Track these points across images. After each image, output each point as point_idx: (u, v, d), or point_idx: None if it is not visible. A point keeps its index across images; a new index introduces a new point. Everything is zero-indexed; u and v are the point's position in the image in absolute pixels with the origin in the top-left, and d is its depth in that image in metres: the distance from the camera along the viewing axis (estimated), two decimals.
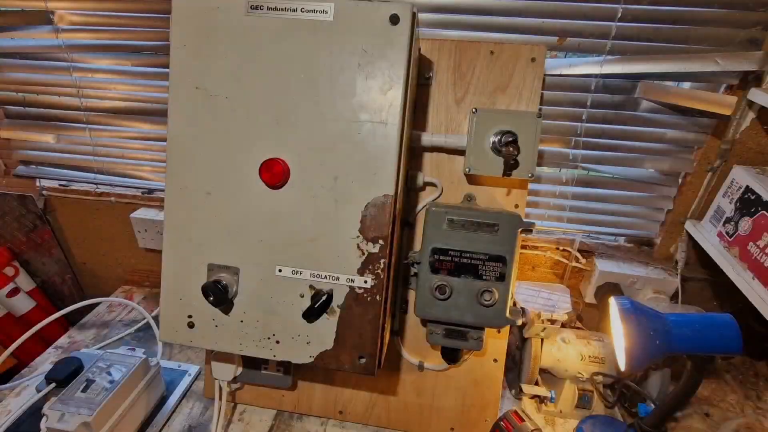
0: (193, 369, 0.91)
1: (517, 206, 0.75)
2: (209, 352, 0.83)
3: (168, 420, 0.81)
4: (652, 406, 0.78)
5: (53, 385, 0.75)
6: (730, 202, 0.75)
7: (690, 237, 0.86)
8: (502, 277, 0.65)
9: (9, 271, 1.14)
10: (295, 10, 0.55)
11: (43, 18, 0.85)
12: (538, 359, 0.83)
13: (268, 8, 0.55)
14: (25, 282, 1.17)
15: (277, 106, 0.56)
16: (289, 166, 0.57)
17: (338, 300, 0.58)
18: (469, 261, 0.65)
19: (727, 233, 0.75)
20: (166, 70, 0.90)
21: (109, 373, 0.75)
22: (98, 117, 0.96)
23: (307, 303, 0.58)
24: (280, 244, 0.58)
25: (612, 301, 0.70)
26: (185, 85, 0.58)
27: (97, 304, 1.09)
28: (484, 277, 0.66)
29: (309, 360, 0.59)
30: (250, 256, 0.59)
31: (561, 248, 0.95)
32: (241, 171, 0.58)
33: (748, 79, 0.70)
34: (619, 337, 0.69)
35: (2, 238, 1.17)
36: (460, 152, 0.74)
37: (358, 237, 0.57)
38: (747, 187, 0.71)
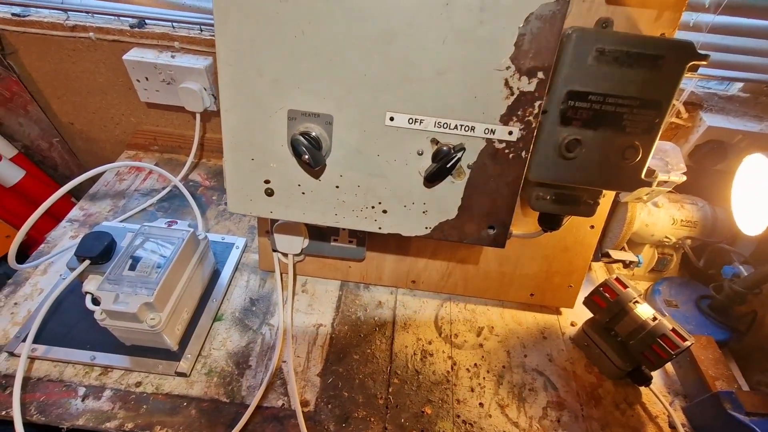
0: (240, 241, 0.81)
1: (663, 35, 0.58)
2: (262, 223, 0.71)
3: (226, 293, 0.73)
4: (740, 267, 0.75)
5: (87, 262, 0.64)
6: None
7: None
8: (650, 129, 0.52)
9: None
10: None
11: None
12: (632, 224, 0.76)
13: None
14: (3, 147, 0.97)
15: None
16: None
17: (470, 158, 0.44)
18: (614, 108, 0.51)
19: None
20: None
21: (156, 250, 0.63)
22: None
23: (426, 162, 0.44)
24: (392, 79, 0.41)
25: (760, 158, 0.59)
26: None
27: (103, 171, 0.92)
28: (628, 130, 0.52)
29: (424, 232, 0.48)
30: (350, 99, 0.42)
31: None
32: None
33: None
34: (755, 197, 0.60)
35: None
36: None
37: (508, 68, 0.40)
38: None
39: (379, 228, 0.48)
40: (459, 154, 0.42)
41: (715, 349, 0.67)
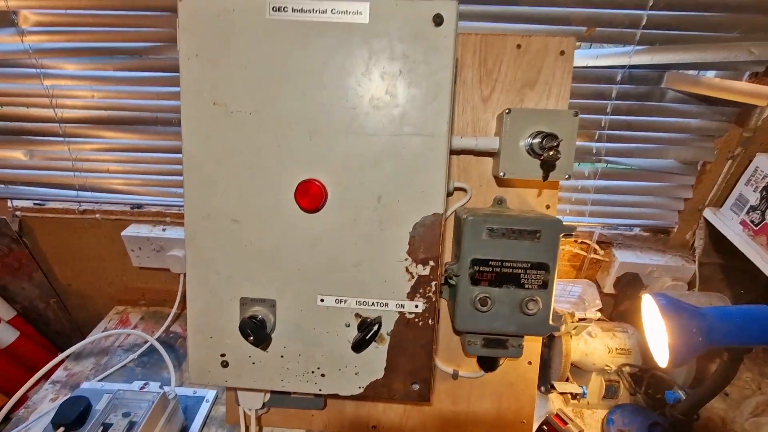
0: (210, 394, 0.86)
1: (548, 207, 0.73)
2: None
3: None
4: (680, 393, 0.80)
5: (62, 429, 0.68)
6: (755, 191, 0.75)
7: (708, 224, 0.86)
8: (545, 285, 0.63)
9: None
10: (324, 12, 0.48)
11: (5, 19, 0.73)
12: (569, 357, 0.83)
13: (293, 9, 0.49)
14: (3, 310, 1.07)
15: (310, 120, 0.50)
16: (327, 186, 0.51)
17: (387, 327, 0.54)
18: (511, 270, 0.63)
19: (753, 222, 0.75)
20: (154, 74, 0.81)
21: (127, 414, 0.69)
22: (77, 129, 0.85)
23: (353, 332, 0.54)
24: (320, 271, 0.53)
25: (649, 299, 0.70)
26: (200, 100, 0.51)
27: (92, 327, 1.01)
28: (527, 286, 0.63)
29: (358, 391, 0.56)
30: (288, 287, 0.54)
31: (579, 241, 0.94)
32: (272, 194, 0.52)
33: None
34: (657, 333, 0.69)
35: None
36: (489, 154, 0.70)
37: (406, 260, 0.53)
38: None
39: (320, 390, 0.56)
40: (375, 327, 0.52)
41: None
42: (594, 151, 0.81)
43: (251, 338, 0.51)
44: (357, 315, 0.54)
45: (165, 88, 0.80)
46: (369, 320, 0.53)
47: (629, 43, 0.70)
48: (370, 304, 0.54)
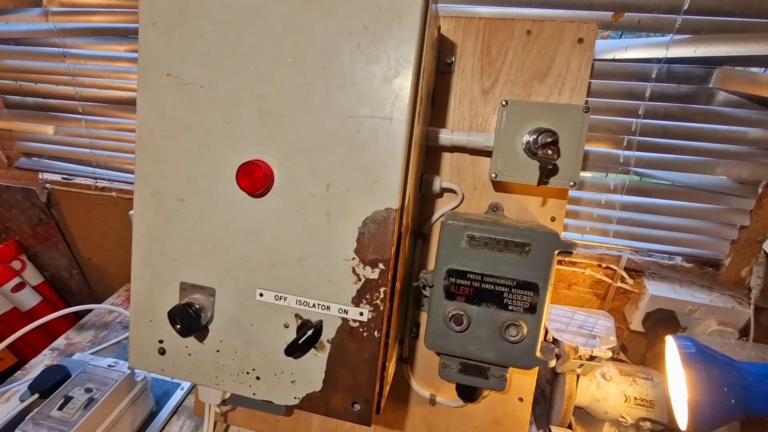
0: (186, 382, 0.84)
1: (553, 219, 0.63)
2: None
3: None
4: None
5: (36, 396, 0.70)
6: None
7: None
8: (533, 309, 0.53)
9: (16, 264, 1.12)
10: None
11: (32, 0, 0.78)
12: (572, 399, 0.70)
13: None
14: (32, 276, 1.15)
15: (261, 97, 0.46)
16: (274, 170, 0.47)
17: (329, 333, 0.48)
18: (492, 287, 0.54)
19: None
20: None
21: (89, 390, 0.68)
22: (94, 107, 0.89)
23: (292, 334, 0.49)
24: (262, 263, 0.48)
25: (671, 342, 0.57)
26: (155, 71, 0.48)
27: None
28: (510, 308, 0.54)
29: (294, 402, 0.50)
30: (229, 276, 0.50)
31: (604, 265, 0.81)
32: (218, 175, 0.48)
33: None
34: (679, 386, 0.55)
35: (11, 231, 1.15)
36: (486, 153, 0.62)
37: (353, 259, 0.46)
38: None
39: (254, 393, 0.51)
40: (310, 331, 0.46)
41: None
42: (621, 160, 0.69)
43: (178, 327, 0.47)
44: (297, 316, 0.48)
45: None
46: (310, 323, 0.48)
47: (667, 32, 0.59)
48: (312, 305, 0.48)
